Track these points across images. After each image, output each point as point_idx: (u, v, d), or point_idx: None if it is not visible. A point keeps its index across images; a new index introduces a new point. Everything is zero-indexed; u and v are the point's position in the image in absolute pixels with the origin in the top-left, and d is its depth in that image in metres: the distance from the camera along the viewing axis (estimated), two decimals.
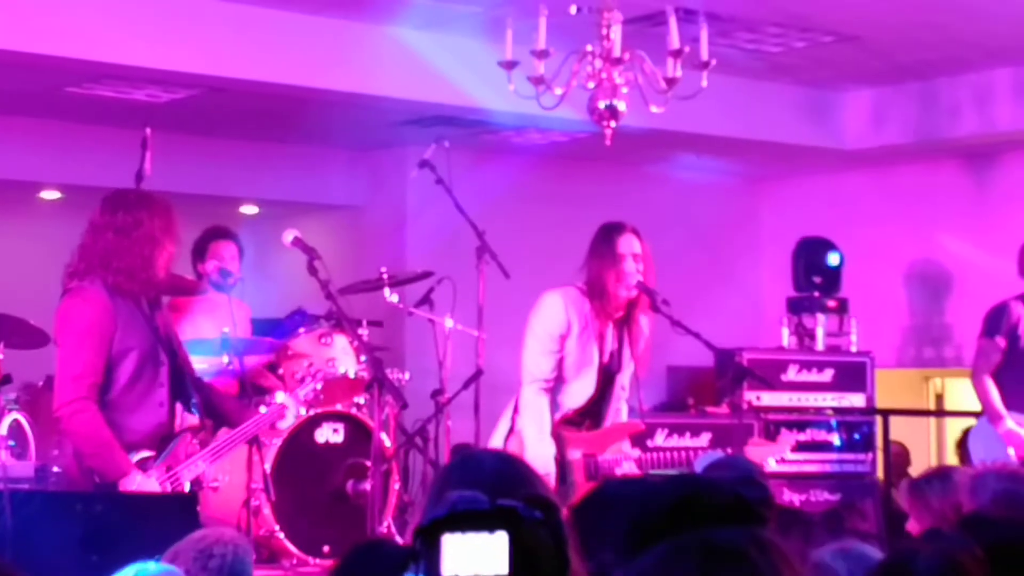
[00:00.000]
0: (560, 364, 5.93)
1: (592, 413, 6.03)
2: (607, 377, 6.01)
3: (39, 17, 7.30)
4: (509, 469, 2.43)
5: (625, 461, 5.90)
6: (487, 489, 2.16)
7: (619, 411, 6.12)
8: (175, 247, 5.23)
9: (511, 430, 5.97)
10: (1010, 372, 7.22)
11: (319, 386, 5.67)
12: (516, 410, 5.97)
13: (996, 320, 7.32)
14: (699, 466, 4.17)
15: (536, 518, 1.84)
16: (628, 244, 5.90)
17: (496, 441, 6.03)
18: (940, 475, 4.71)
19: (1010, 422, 7.06)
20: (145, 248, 5.11)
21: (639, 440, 6.10)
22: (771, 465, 6.00)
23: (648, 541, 2.09)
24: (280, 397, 5.58)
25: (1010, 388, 7.18)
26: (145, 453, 5.07)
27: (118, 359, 5.06)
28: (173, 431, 5.19)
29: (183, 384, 5.26)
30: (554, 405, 5.94)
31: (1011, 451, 6.94)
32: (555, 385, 5.94)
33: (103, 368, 5.03)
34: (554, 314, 5.93)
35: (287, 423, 5.60)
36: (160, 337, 5.22)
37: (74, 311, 5.08)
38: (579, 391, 5.97)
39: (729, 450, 5.92)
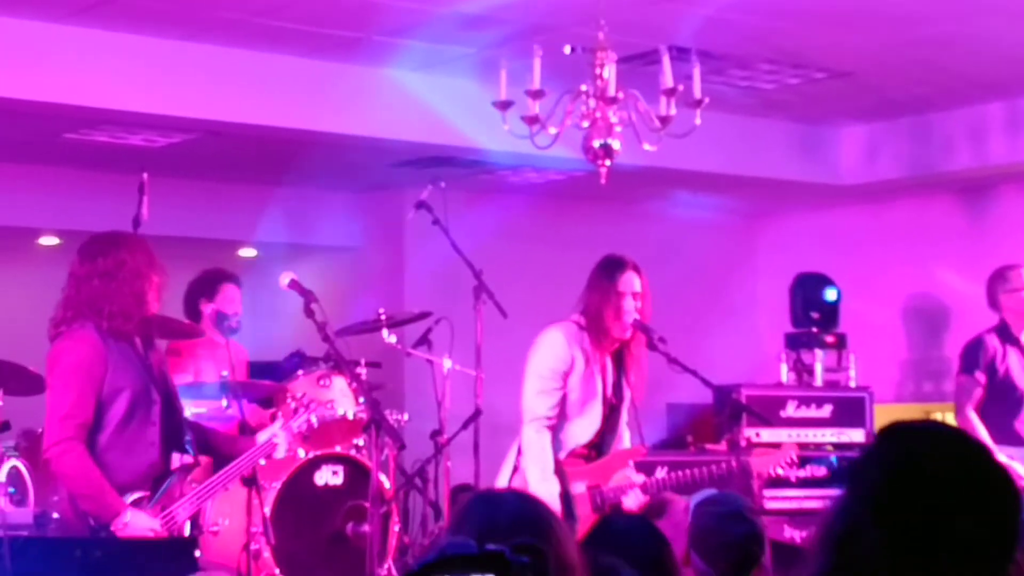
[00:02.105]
0: (563, 401, 5.92)
1: (599, 447, 6.02)
2: (611, 409, 6.01)
3: (36, 64, 7.34)
4: (529, 509, 2.45)
5: (631, 489, 5.87)
6: (506, 528, 2.18)
7: (622, 441, 6.11)
8: (162, 279, 5.23)
9: (515, 469, 5.95)
10: (993, 406, 7.27)
11: (313, 417, 5.65)
12: (520, 450, 5.96)
13: (973, 355, 7.39)
14: (692, 502, 4.17)
15: (523, 563, 1.86)
16: (629, 283, 5.91)
17: (501, 481, 6.01)
18: None
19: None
20: (134, 286, 5.12)
21: (641, 470, 6.05)
22: (779, 472, 5.96)
23: None
24: (271, 428, 5.55)
25: (994, 422, 7.22)
26: (139, 494, 5.06)
27: (109, 400, 5.06)
28: (168, 470, 5.19)
29: (175, 423, 5.26)
30: (556, 443, 5.92)
31: None
32: (557, 423, 5.93)
33: (92, 409, 5.02)
34: (557, 351, 5.92)
35: (280, 454, 5.57)
36: (154, 376, 5.22)
37: (63, 353, 5.09)
38: (585, 427, 5.94)
39: (731, 463, 5.86)
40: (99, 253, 5.17)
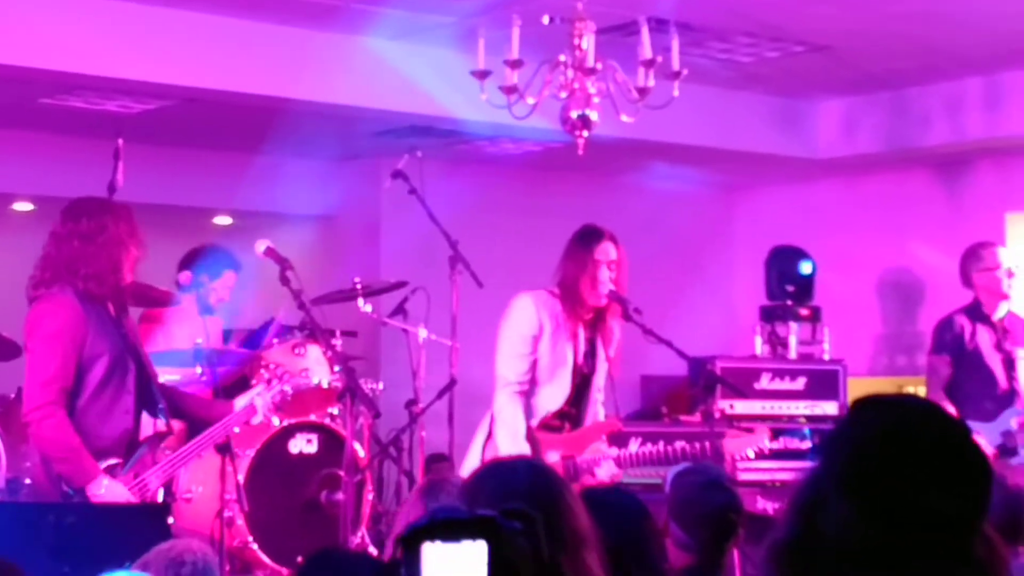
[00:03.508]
0: (533, 367, 5.93)
1: (570, 416, 6.02)
2: (582, 379, 6.01)
3: (10, 29, 7.28)
4: (542, 477, 2.46)
5: (604, 461, 5.89)
6: (521, 497, 2.19)
7: (597, 413, 6.12)
8: (140, 251, 5.24)
9: (489, 436, 5.96)
10: (963, 383, 7.32)
11: (288, 388, 5.64)
12: (494, 419, 5.96)
13: (941, 336, 7.45)
14: (669, 474, 4.17)
15: (514, 528, 1.87)
16: (605, 251, 5.91)
17: (475, 448, 6.02)
18: None
19: None
20: (112, 252, 5.13)
21: (616, 442, 6.08)
22: (750, 455, 5.98)
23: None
24: (248, 394, 5.55)
25: (964, 398, 7.26)
26: (113, 460, 5.06)
27: (88, 365, 5.06)
28: (138, 438, 5.18)
29: (149, 390, 5.26)
30: (528, 409, 5.93)
31: None
32: (529, 388, 5.93)
33: (73, 373, 5.03)
34: (525, 315, 5.93)
35: (258, 419, 5.55)
36: (128, 343, 5.22)
37: (44, 316, 5.08)
38: (554, 394, 5.95)
39: (707, 443, 5.88)
40: (83, 215, 5.18)
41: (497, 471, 2.53)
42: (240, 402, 5.48)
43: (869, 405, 2.08)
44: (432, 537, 1.82)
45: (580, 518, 2.42)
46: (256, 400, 5.46)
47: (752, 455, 6.00)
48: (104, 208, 5.25)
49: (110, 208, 5.27)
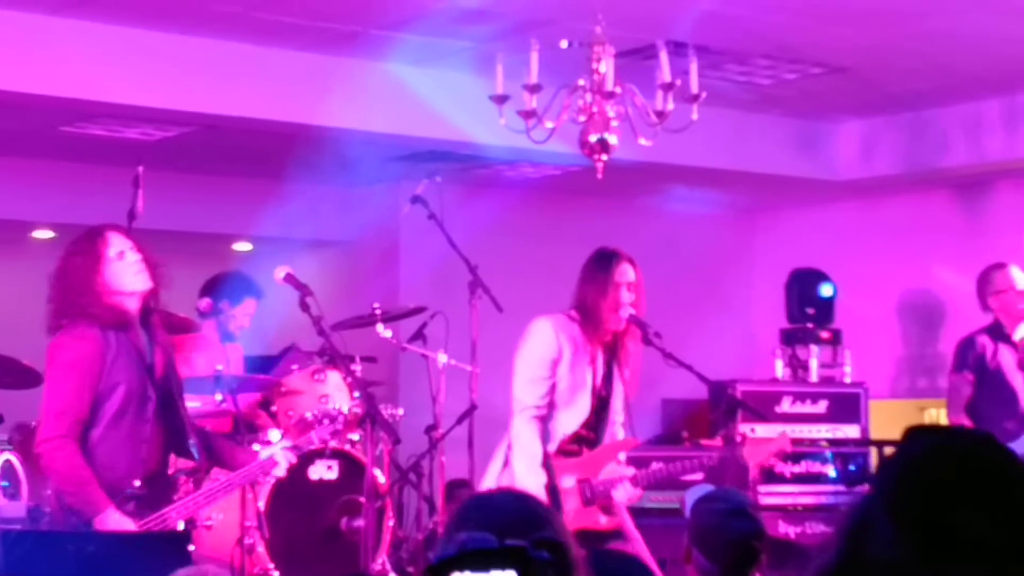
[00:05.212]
0: (552, 391, 5.89)
1: (588, 440, 5.98)
2: (601, 402, 5.98)
3: (31, 57, 7.32)
4: (525, 509, 2.43)
5: (620, 483, 5.83)
6: (502, 530, 2.16)
7: (615, 435, 6.08)
8: (104, 264, 5.11)
9: (505, 464, 5.92)
10: (984, 402, 7.30)
11: (314, 436, 5.60)
12: (511, 445, 5.92)
13: (963, 354, 7.44)
14: (690, 498, 4.15)
15: (543, 559, 1.85)
16: (624, 273, 5.88)
17: (490, 476, 5.98)
18: None
19: None
20: (85, 277, 5.07)
21: (636, 464, 6.01)
22: (771, 462, 5.92)
23: None
24: (274, 447, 5.47)
25: (985, 418, 7.25)
26: (137, 488, 5.02)
27: (105, 395, 5.02)
28: (165, 469, 5.16)
29: (176, 422, 5.21)
30: (546, 433, 5.89)
31: None
32: (547, 413, 5.90)
33: (88, 406, 4.99)
34: (544, 339, 5.88)
35: (280, 471, 5.48)
36: (153, 373, 5.18)
37: (63, 347, 5.07)
38: (573, 416, 5.90)
39: (722, 452, 5.83)
40: (58, 261, 5.17)
41: (478, 504, 2.50)
42: (264, 453, 5.43)
43: (922, 431, 2.09)
44: (461, 567, 1.81)
45: (569, 545, 2.40)
46: (278, 455, 5.39)
47: (775, 463, 5.93)
48: (66, 248, 5.23)
49: (69, 244, 5.24)
